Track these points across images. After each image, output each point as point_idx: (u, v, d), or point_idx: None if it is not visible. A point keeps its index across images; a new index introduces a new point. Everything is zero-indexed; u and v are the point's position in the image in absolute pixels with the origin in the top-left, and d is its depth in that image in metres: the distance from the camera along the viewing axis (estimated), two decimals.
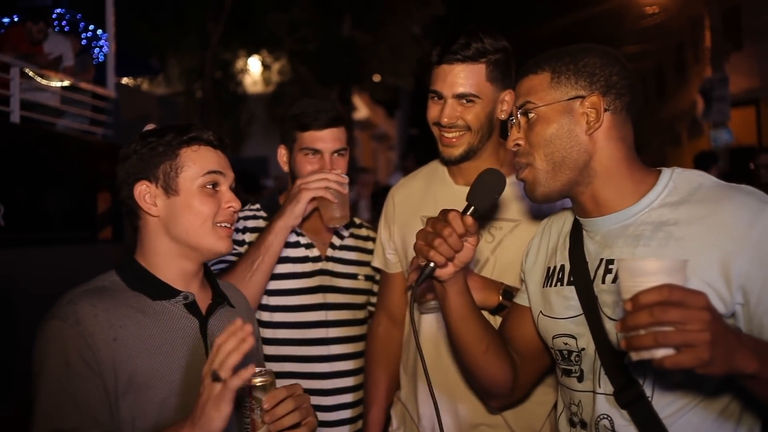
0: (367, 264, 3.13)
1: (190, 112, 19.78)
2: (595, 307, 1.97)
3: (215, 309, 2.21)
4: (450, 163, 2.78)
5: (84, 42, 11.44)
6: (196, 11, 18.07)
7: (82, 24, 11.88)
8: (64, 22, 11.89)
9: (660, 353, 1.47)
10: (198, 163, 2.13)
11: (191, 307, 2.15)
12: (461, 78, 2.61)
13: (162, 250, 2.14)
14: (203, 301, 2.21)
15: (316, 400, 2.94)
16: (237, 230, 2.99)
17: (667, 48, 31.78)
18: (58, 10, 11.60)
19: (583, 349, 2.01)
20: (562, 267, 2.12)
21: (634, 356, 1.51)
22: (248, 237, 2.99)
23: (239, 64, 22.10)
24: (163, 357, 2.04)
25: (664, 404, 1.87)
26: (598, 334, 1.96)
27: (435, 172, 2.91)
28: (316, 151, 2.94)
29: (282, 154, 3.05)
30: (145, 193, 2.13)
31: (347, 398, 3.03)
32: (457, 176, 2.81)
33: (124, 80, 14.82)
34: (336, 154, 2.96)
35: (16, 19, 10.89)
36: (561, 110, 1.97)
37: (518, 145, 2.02)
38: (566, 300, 2.06)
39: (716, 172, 8.88)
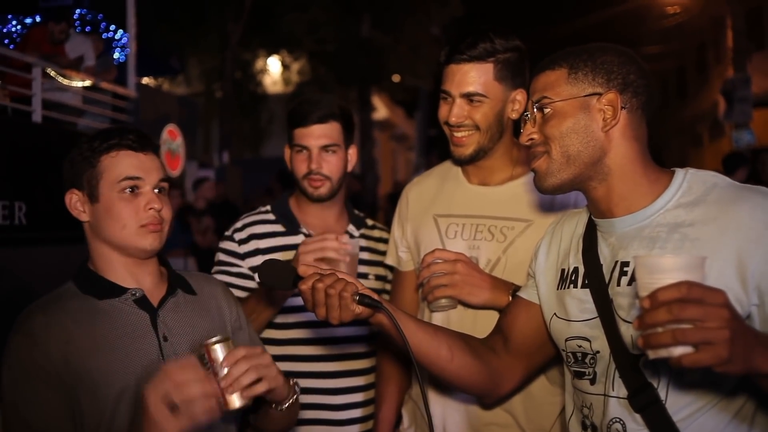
0: (378, 264, 3.12)
1: (210, 112, 19.89)
2: (610, 310, 1.95)
3: (166, 300, 2.24)
4: (461, 162, 2.78)
5: (105, 42, 11.51)
6: (216, 11, 18.15)
7: (103, 24, 11.96)
8: (86, 22, 11.97)
9: (678, 351, 1.45)
10: (115, 170, 2.15)
11: (141, 302, 2.18)
12: (469, 77, 2.60)
13: (101, 252, 2.20)
14: (158, 293, 2.25)
15: (326, 398, 2.96)
16: (238, 241, 3.00)
17: (688, 48, 31.62)
18: (80, 11, 11.68)
19: (598, 351, 1.99)
20: (576, 269, 2.09)
21: (652, 354, 1.49)
22: (252, 245, 2.99)
23: (259, 64, 22.20)
24: (116, 353, 2.07)
25: (678, 407, 1.85)
26: (613, 337, 1.94)
27: (449, 171, 2.89)
28: (304, 148, 2.95)
29: (286, 153, 3.05)
30: (75, 201, 2.21)
31: (357, 397, 3.02)
32: (471, 175, 2.80)
33: (145, 80, 14.90)
34: (326, 151, 2.94)
35: (38, 20, 10.98)
36: (577, 106, 1.96)
37: (532, 139, 2.02)
38: (581, 303, 2.04)
39: (745, 173, 8.76)
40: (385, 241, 3.19)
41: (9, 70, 7.98)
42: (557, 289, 2.15)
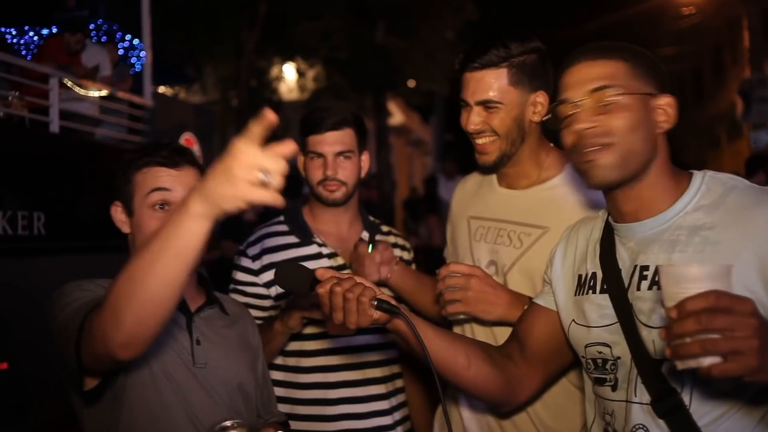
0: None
1: (226, 120, 19.93)
2: (630, 314, 1.93)
3: (204, 308, 2.35)
4: (487, 170, 2.79)
5: (121, 52, 11.56)
6: (231, 20, 18.20)
7: (119, 34, 12.02)
8: (102, 32, 12.03)
9: (707, 361, 1.44)
10: (145, 185, 2.23)
11: (179, 304, 2.17)
12: (483, 84, 2.58)
13: None
14: (195, 302, 2.35)
15: (348, 408, 2.96)
16: (252, 257, 3.01)
17: (705, 49, 31.48)
18: (96, 21, 11.75)
19: (619, 357, 1.97)
20: (594, 274, 2.08)
21: (680, 365, 1.48)
22: (266, 260, 3.00)
23: (274, 71, 22.24)
24: (151, 350, 2.09)
25: (703, 413, 1.82)
26: (634, 342, 1.92)
27: (488, 174, 2.90)
28: (319, 155, 2.95)
29: (300, 161, 3.05)
30: (118, 213, 2.30)
31: (383, 405, 3.02)
32: (501, 179, 2.80)
33: (161, 89, 14.96)
34: (341, 157, 2.95)
35: (54, 31, 11.05)
36: (641, 102, 1.92)
37: (593, 128, 1.92)
38: (600, 308, 2.02)
39: (766, 175, 8.69)
40: (401, 246, 3.19)
41: (26, 81, 8.03)
42: (575, 295, 2.12)
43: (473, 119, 2.62)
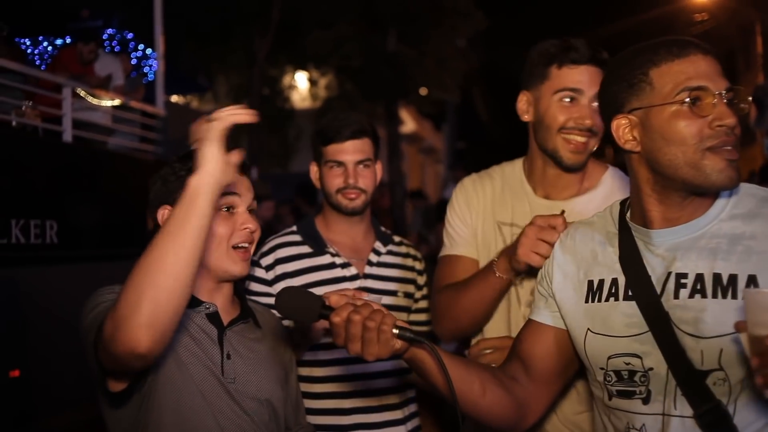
0: (406, 281, 3.12)
1: (238, 129, 20.00)
2: (666, 323, 1.86)
3: (237, 322, 2.30)
4: (570, 169, 2.59)
5: (134, 61, 11.63)
6: (243, 28, 18.27)
7: (132, 44, 12.10)
8: (115, 42, 12.11)
9: None
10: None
11: (212, 316, 2.24)
12: (596, 79, 2.41)
13: None
14: (228, 314, 2.30)
15: (360, 418, 2.95)
16: (265, 267, 3.02)
17: (718, 55, 31.34)
18: (109, 31, 11.84)
19: (651, 368, 1.88)
20: (615, 281, 1.98)
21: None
22: (279, 270, 3.00)
23: (286, 80, 22.30)
24: (182, 359, 2.13)
25: (747, 423, 1.79)
26: (673, 352, 1.84)
27: (510, 177, 2.75)
28: (339, 164, 2.97)
29: (314, 171, 3.08)
30: (166, 216, 2.22)
31: (396, 415, 3.01)
32: (537, 186, 2.67)
33: (173, 98, 15.02)
34: (361, 165, 2.98)
35: (68, 41, 11.13)
36: None
37: (736, 125, 1.84)
38: (626, 317, 1.93)
39: None
40: (413, 257, 3.18)
41: (40, 90, 8.09)
42: (586, 302, 2.04)
43: (591, 113, 2.46)
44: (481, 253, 2.71)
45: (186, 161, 2.22)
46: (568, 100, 2.51)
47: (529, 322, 2.18)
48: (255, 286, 3.02)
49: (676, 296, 1.86)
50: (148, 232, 2.26)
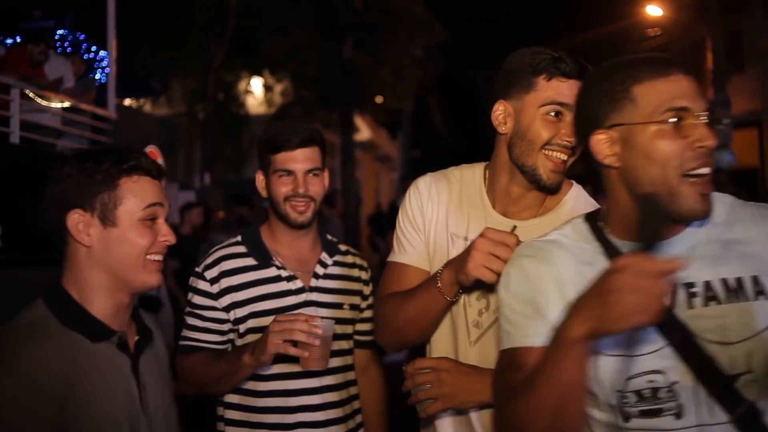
0: (352, 292, 3.06)
1: (191, 134, 19.85)
2: (687, 335, 1.81)
3: (143, 347, 2.12)
4: (548, 190, 2.40)
5: (86, 63, 11.46)
6: (199, 33, 18.17)
7: (84, 45, 11.93)
8: (67, 43, 11.93)
9: None
10: (139, 196, 2.03)
11: (122, 345, 2.05)
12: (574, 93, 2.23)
13: (94, 282, 2.04)
14: (130, 336, 2.11)
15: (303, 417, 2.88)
16: (210, 279, 2.93)
17: (696, 75, 31.82)
18: (61, 32, 11.66)
19: (676, 382, 1.81)
20: None
21: None
22: (224, 283, 2.92)
23: (242, 85, 22.21)
24: (102, 401, 1.94)
25: None
26: (699, 363, 1.79)
27: (469, 186, 2.55)
28: (289, 172, 2.91)
29: (260, 180, 3.00)
30: (78, 221, 2.01)
31: (339, 430, 2.95)
32: (497, 201, 2.48)
33: (126, 101, 14.85)
34: (310, 174, 2.92)
35: (18, 41, 10.94)
36: None
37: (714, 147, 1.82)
38: (640, 334, 1.82)
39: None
40: (359, 266, 3.12)
41: None
42: None
43: (573, 130, 2.18)
44: (434, 263, 2.53)
45: (101, 160, 2.04)
46: (554, 114, 2.32)
47: (530, 349, 1.91)
48: (199, 299, 2.93)
49: (690, 306, 1.83)
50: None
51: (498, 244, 2.15)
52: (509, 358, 1.90)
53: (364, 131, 28.18)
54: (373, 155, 33.09)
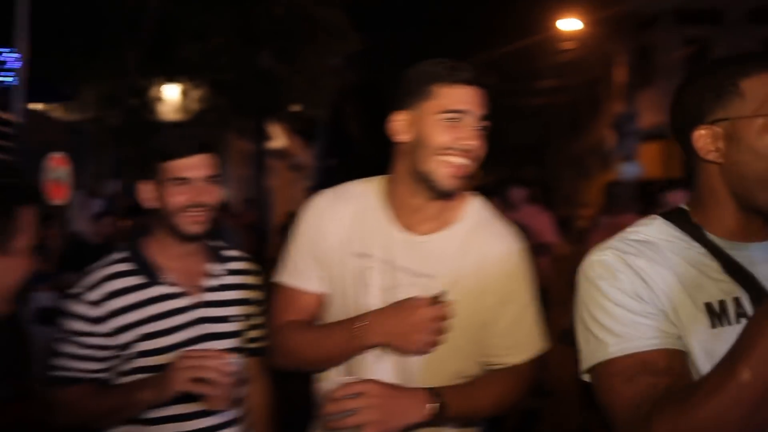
0: (244, 302, 2.88)
1: (102, 140, 19.40)
2: None
3: None
4: (445, 195, 2.36)
5: None
6: (113, 37, 17.81)
7: None
8: None
9: None
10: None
11: None
12: (483, 101, 2.32)
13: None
14: None
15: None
16: (90, 302, 2.69)
17: (582, 83, 32.57)
18: None
19: None
20: (737, 300, 1.78)
21: None
22: (110, 306, 2.68)
23: (155, 91, 21.85)
24: None
25: None
26: None
27: (366, 200, 2.50)
28: (184, 180, 2.71)
29: (146, 190, 2.76)
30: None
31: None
32: (399, 215, 2.43)
33: (33, 106, 14.45)
34: (208, 182, 2.73)
35: None
36: None
37: None
38: None
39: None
40: (249, 272, 2.94)
41: None
42: (713, 327, 1.78)
43: (474, 135, 2.29)
44: (336, 284, 2.48)
45: None
46: (452, 120, 2.31)
47: (649, 354, 1.77)
48: (77, 325, 2.68)
49: None
50: None
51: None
52: (638, 362, 1.73)
53: (279, 139, 28.03)
54: (288, 163, 32.95)
